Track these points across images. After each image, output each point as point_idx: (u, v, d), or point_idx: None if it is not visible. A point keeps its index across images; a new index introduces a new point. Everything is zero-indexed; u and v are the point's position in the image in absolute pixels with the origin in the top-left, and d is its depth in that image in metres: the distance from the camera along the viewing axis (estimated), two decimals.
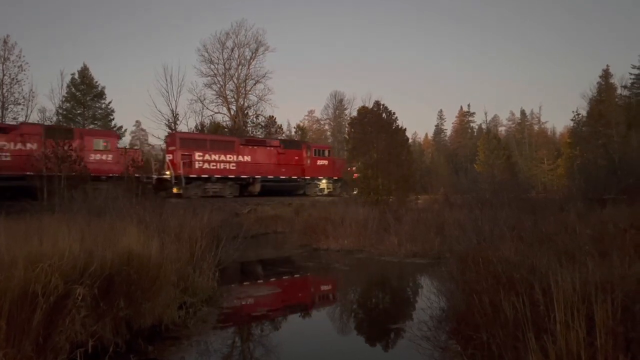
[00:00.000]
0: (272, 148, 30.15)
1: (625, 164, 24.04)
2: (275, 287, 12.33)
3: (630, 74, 48.70)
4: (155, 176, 24.98)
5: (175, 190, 25.03)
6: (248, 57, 42.85)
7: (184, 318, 7.66)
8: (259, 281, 13.02)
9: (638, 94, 48.44)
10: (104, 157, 23.30)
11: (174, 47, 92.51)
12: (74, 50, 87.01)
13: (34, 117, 32.52)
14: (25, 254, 5.57)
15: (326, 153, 33.66)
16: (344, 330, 8.56)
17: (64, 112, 38.34)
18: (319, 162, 32.29)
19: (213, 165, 26.93)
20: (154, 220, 11.29)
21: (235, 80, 42.88)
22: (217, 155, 27.13)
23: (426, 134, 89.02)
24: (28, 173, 19.42)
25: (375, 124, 25.14)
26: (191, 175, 25.75)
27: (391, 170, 24.18)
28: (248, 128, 42.59)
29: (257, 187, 28.69)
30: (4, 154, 20.38)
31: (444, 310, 7.16)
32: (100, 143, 23.53)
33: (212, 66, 42.49)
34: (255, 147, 29.41)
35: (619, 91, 49.71)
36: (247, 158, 28.31)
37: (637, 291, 4.52)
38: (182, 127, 39.57)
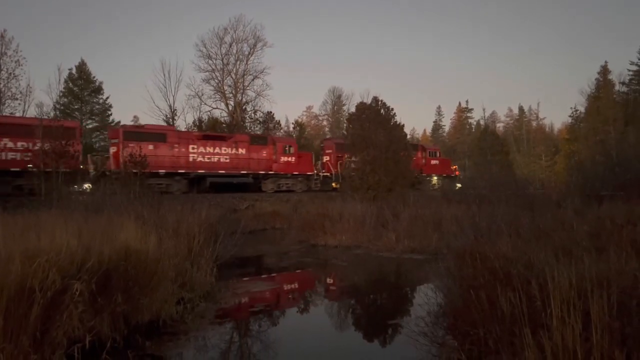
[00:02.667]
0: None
1: (622, 160, 24.05)
2: (273, 282, 12.35)
3: (629, 70, 48.86)
4: (321, 174, 30.84)
5: (334, 185, 30.29)
6: (246, 53, 42.74)
7: (181, 313, 7.66)
8: (256, 277, 13.04)
9: (636, 90, 48.53)
10: (289, 159, 29.10)
11: (172, 42, 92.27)
12: (72, 45, 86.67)
13: (32, 113, 32.39)
14: (22, 249, 5.56)
15: (437, 154, 38.94)
16: (342, 326, 8.59)
17: (62, 107, 38.23)
18: (432, 162, 37.12)
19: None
20: (152, 215, 11.28)
21: (234, 76, 42.78)
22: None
23: (424, 130, 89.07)
24: (242, 172, 26.96)
25: (374, 120, 25.12)
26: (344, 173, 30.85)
27: (389, 166, 24.20)
28: (246, 124, 42.52)
29: None
30: (224, 157, 26.63)
31: (441, 306, 7.18)
32: (287, 148, 29.21)
33: (210, 61, 42.38)
34: None
35: (617, 87, 49.84)
36: None
37: (633, 287, 4.53)
38: (180, 123, 39.55)
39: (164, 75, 39.95)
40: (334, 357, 6.72)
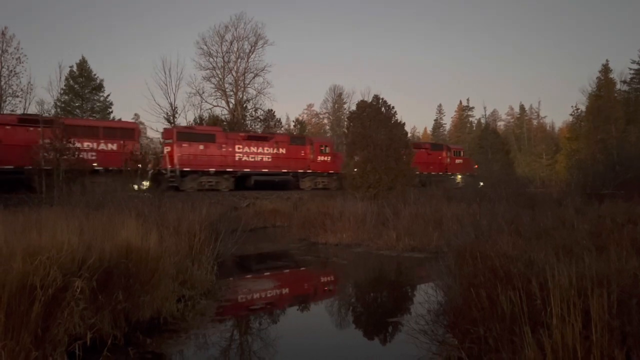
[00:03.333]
0: (423, 150, 36.52)
1: (623, 159, 24.05)
2: (273, 280, 12.37)
3: (630, 69, 48.68)
4: None
5: None
6: (247, 50, 42.69)
7: (182, 311, 7.67)
8: (257, 275, 13.05)
9: (637, 89, 48.42)
10: (325, 158, 30.78)
11: (173, 40, 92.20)
12: (72, 42, 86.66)
13: (32, 110, 32.43)
14: (23, 246, 5.57)
15: (461, 153, 40.67)
16: (342, 324, 8.60)
17: (62, 105, 38.21)
18: (457, 161, 38.56)
19: None
20: (153, 213, 11.30)
21: (234, 74, 42.74)
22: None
23: (425, 128, 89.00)
24: (283, 170, 28.70)
25: (374, 119, 25.13)
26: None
27: (390, 164, 24.20)
28: (247, 122, 42.50)
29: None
30: (267, 156, 28.38)
31: (442, 304, 7.19)
32: (323, 148, 30.96)
33: (211, 59, 42.33)
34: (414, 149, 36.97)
35: (618, 86, 49.73)
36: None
37: (633, 285, 4.54)
38: (181, 121, 39.51)
39: (165, 73, 39.85)
40: (334, 354, 6.73)
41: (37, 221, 7.61)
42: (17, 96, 32.58)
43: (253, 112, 43.73)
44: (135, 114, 58.77)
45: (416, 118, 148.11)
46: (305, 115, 69.58)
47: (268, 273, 13.44)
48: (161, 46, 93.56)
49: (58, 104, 37.14)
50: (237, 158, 27.09)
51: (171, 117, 38.69)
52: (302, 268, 14.23)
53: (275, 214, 23.68)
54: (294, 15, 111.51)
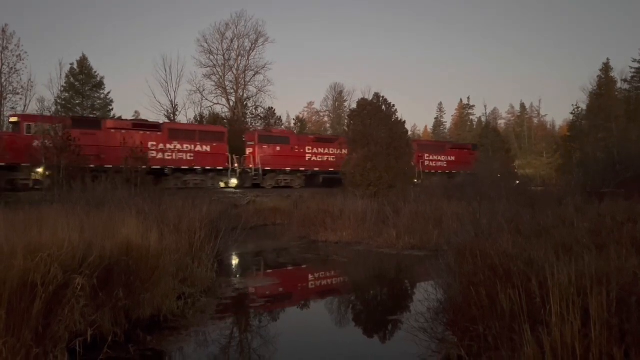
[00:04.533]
0: (466, 150, 40.06)
1: (624, 157, 24.01)
2: (273, 278, 12.38)
3: (631, 67, 48.59)
4: None
5: (415, 181, 32.74)
6: (247, 48, 42.79)
7: (182, 308, 7.68)
8: (257, 272, 13.07)
9: (638, 87, 48.34)
10: None
11: (174, 37, 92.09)
12: (73, 40, 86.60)
13: (33, 107, 32.50)
14: (24, 243, 5.58)
15: None
16: (342, 322, 8.62)
17: (63, 102, 38.22)
18: None
19: (434, 163, 36.55)
20: (153, 211, 11.31)
21: (235, 71, 42.82)
22: (436, 156, 36.92)
23: (425, 127, 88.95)
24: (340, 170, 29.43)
25: (375, 117, 25.12)
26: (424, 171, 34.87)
27: (390, 162, 24.19)
28: (247, 119, 42.52)
29: (458, 179, 35.37)
30: (332, 157, 30.89)
31: (441, 302, 7.20)
32: None
33: (212, 57, 42.45)
34: (458, 150, 39.48)
35: (619, 85, 49.72)
36: (452, 158, 37.71)
37: (632, 284, 4.55)
38: (181, 119, 39.56)
39: (165, 70, 40.07)
40: (334, 352, 6.74)
41: (37, 219, 7.62)
42: (18, 93, 32.73)
43: (253, 110, 43.83)
44: (136, 112, 58.67)
45: (417, 116, 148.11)
46: (305, 113, 69.62)
47: (268, 271, 13.46)
48: (162, 44, 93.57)
49: (59, 101, 37.14)
50: (307, 158, 30.03)
51: (171, 115, 38.73)
52: (303, 266, 14.24)
53: (275, 212, 23.69)
54: (294, 14, 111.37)
